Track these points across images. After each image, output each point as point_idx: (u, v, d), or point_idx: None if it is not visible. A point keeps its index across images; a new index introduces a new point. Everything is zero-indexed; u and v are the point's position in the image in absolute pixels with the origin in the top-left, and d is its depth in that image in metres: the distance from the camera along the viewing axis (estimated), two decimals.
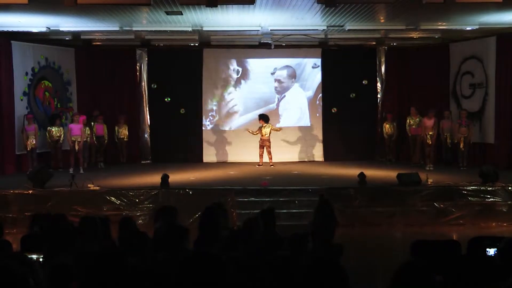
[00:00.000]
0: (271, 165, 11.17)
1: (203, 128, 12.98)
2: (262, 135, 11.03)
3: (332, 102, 12.93)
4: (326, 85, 13.01)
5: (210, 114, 13.09)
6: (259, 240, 3.73)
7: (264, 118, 11.27)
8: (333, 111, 12.86)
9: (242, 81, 12.97)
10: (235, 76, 12.93)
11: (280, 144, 12.52)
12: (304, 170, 11.06)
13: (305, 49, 12.60)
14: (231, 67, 12.81)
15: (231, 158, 12.81)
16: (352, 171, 9.64)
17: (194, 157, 12.81)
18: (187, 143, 12.86)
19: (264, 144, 10.99)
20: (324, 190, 8.08)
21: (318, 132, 13.12)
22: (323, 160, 12.99)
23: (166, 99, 12.31)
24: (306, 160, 12.97)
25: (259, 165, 11.30)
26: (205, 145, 13.01)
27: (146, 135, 13.16)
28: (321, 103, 13.07)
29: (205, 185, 8.85)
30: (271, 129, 11.25)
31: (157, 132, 12.92)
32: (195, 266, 2.18)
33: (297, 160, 12.87)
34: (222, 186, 8.74)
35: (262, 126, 11.00)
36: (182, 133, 12.83)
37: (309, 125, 13.19)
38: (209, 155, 13.05)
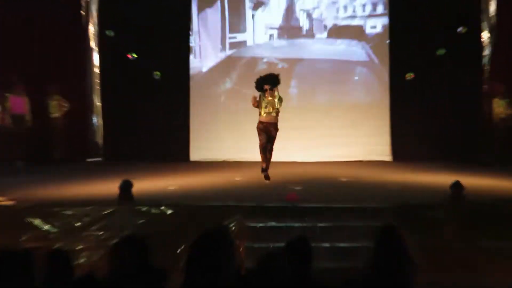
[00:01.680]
0: (264, 174, 9.81)
1: (191, 105, 13.06)
2: (263, 112, 9.61)
3: (405, 65, 12.17)
4: (395, 35, 12.82)
5: (203, 80, 13.28)
6: None
7: (270, 80, 9.67)
8: (407, 78, 11.80)
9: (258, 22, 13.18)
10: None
11: (315, 133, 12.65)
12: (359, 175, 10.88)
13: None
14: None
15: (238, 154, 12.77)
16: (440, 179, 9.59)
17: (175, 153, 12.95)
18: (166, 131, 12.97)
19: (267, 130, 9.48)
20: (391, 210, 7.82)
21: (382, 115, 13.02)
22: (391, 159, 12.93)
23: (155, 75, 11.61)
24: (361, 159, 12.80)
25: (264, 171, 9.86)
26: (194, 132, 13.10)
27: (94, 118, 13.12)
28: (387, 66, 12.84)
29: (195, 199, 8.57)
30: (280, 102, 9.71)
31: (114, 112, 12.95)
32: None
33: (346, 159, 12.71)
34: (222, 201, 8.34)
35: (264, 94, 9.46)
36: (156, 114, 12.87)
37: (366, 102, 13.03)
38: (200, 149, 13.12)
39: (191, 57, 13.42)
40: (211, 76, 13.54)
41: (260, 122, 9.72)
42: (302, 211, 8.11)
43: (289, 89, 12.81)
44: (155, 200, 8.38)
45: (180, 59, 13.29)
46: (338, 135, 13.03)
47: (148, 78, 12.13)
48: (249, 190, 9.34)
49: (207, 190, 9.45)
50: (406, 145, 12.99)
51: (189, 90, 13.14)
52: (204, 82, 13.48)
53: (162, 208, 8.09)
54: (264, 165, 9.79)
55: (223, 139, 13.27)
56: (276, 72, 10.07)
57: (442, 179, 9.27)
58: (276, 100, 9.62)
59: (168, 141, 13.06)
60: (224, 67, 13.51)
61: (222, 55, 13.48)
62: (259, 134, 9.73)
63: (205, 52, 13.64)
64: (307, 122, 12.77)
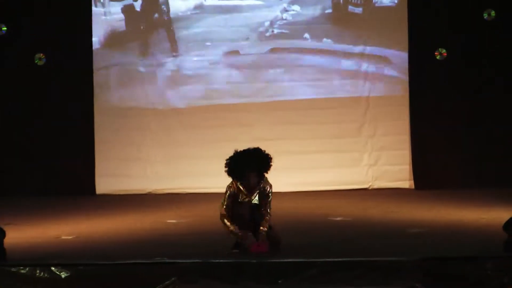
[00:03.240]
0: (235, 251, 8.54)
1: (95, 114, 13.12)
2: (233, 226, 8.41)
3: (434, 36, 12.45)
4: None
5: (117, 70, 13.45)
6: None
7: (256, 162, 8.16)
8: (438, 57, 12.13)
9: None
10: None
11: (294, 148, 12.81)
12: (362, 211, 10.64)
13: None
14: None
15: (171, 182, 12.94)
16: (484, 214, 9.74)
17: (74, 184, 12.91)
18: (59, 151, 12.93)
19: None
20: (414, 265, 7.29)
21: (397, 118, 12.99)
22: (412, 186, 12.83)
23: (37, 59, 12.36)
24: (365, 187, 12.87)
25: (239, 247, 8.52)
26: (101, 153, 13.09)
27: None
28: (405, 45, 12.83)
29: (103, 254, 7.95)
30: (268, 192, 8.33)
31: None
32: None
33: (343, 186, 12.81)
34: (147, 256, 7.68)
35: (241, 187, 8.28)
36: (45, 127, 12.95)
37: (362, 95, 13.03)
38: (111, 177, 13.10)
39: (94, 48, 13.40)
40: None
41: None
42: (275, 270, 7.49)
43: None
44: (41, 256, 7.92)
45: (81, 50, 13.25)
46: (328, 151, 13.04)
47: (26, 63, 12.41)
48: (189, 238, 9.03)
49: (124, 239, 9.08)
50: (432, 166, 12.88)
51: (92, 92, 13.07)
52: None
53: (53, 269, 7.52)
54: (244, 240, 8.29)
55: (146, 161, 13.17)
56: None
57: (490, 214, 9.54)
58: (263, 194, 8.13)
59: (63, 166, 12.96)
60: None
61: None
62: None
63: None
64: (282, 131, 12.63)
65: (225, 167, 7.99)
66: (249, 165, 7.86)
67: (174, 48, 13.57)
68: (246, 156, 7.94)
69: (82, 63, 13.29)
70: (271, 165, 7.96)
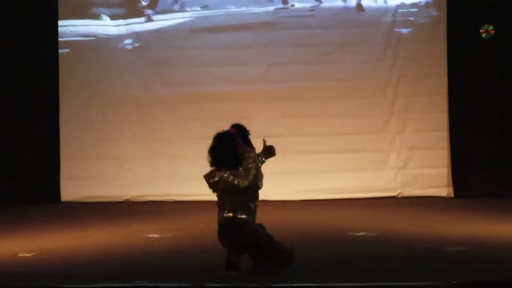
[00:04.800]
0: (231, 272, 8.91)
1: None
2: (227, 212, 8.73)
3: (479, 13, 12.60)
4: None
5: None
6: None
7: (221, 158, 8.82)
8: (484, 36, 12.36)
9: None
10: None
11: (306, 148, 12.99)
12: (389, 224, 10.83)
13: None
14: None
15: (151, 188, 13.07)
16: None
17: (36, 190, 12.90)
18: (12, 143, 13.05)
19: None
20: None
21: (433, 110, 13.07)
22: (451, 195, 12.95)
23: None
24: (394, 194, 13.04)
25: (232, 268, 8.84)
26: (67, 153, 13.19)
27: None
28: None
29: (70, 275, 7.94)
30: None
31: None
32: None
33: (365, 194, 12.93)
34: (123, 279, 7.64)
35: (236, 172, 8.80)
36: None
37: (390, 80, 13.11)
38: (79, 180, 13.18)
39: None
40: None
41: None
42: None
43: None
44: None
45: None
46: (347, 151, 13.14)
47: None
48: (176, 257, 8.96)
49: (94, 257, 9.00)
50: (477, 170, 12.91)
51: (57, 77, 13.26)
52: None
53: None
54: (232, 257, 8.68)
55: (123, 160, 13.33)
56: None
57: None
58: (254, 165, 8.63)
59: (21, 168, 13.07)
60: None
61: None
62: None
63: None
64: (288, 125, 12.84)
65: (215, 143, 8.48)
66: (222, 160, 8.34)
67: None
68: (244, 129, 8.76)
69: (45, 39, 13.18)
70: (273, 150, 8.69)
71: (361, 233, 10.17)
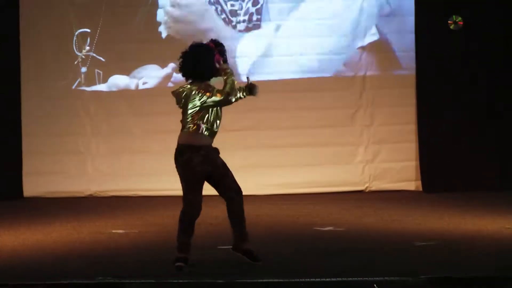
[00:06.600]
0: (178, 265, 8.67)
1: (23, 100, 13.24)
2: (207, 128, 8.73)
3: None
4: None
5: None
6: None
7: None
8: (453, 27, 12.20)
9: None
10: None
11: (279, 139, 13.02)
12: (357, 219, 10.84)
13: None
14: None
15: (116, 183, 13.07)
16: (509, 222, 9.92)
17: None
18: None
19: (210, 163, 8.68)
20: (424, 286, 7.38)
21: (401, 103, 13.17)
22: (419, 188, 13.07)
23: None
24: (362, 189, 13.13)
25: (181, 261, 8.77)
26: (28, 143, 13.19)
27: None
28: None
29: (31, 272, 7.89)
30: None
31: None
32: None
33: (332, 188, 13.02)
34: (86, 275, 7.61)
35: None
36: None
37: (357, 73, 13.14)
38: (42, 175, 13.13)
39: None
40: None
41: (193, 151, 8.47)
42: None
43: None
44: None
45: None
46: (314, 144, 13.11)
47: None
48: (140, 253, 8.93)
49: (57, 253, 8.94)
50: (445, 163, 13.01)
51: (18, 68, 13.20)
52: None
53: None
54: (181, 254, 8.56)
55: (86, 155, 13.27)
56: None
57: None
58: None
59: None
60: None
61: None
62: (188, 182, 8.49)
63: None
64: (255, 119, 12.89)
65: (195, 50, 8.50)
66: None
67: None
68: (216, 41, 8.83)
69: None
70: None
71: (328, 228, 10.07)
